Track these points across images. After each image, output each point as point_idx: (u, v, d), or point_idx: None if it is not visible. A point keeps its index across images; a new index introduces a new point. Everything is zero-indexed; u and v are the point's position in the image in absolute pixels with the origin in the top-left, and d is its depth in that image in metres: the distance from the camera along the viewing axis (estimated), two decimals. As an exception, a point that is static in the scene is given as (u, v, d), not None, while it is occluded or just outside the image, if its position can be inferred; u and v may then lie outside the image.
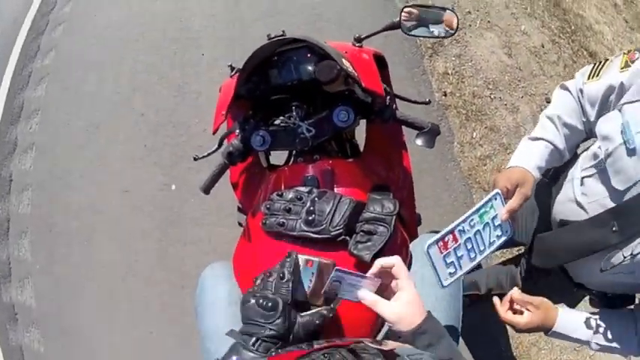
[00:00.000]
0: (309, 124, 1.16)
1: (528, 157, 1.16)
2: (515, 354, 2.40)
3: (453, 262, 0.97)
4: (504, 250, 2.42)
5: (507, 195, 1.06)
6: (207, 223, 2.66)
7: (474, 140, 2.87)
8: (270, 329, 0.79)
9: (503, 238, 1.02)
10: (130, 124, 3.07)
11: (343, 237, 1.03)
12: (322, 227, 1.03)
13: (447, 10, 1.34)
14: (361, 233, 1.04)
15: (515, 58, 3.28)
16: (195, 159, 1.41)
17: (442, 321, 0.99)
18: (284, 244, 1.06)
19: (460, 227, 0.96)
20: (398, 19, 1.31)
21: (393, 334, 0.82)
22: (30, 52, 3.74)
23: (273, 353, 0.73)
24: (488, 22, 3.37)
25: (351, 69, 1.13)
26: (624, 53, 1.08)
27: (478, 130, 2.91)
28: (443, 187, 2.72)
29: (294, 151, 1.34)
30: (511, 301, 1.15)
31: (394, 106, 1.28)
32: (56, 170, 3.05)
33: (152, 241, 2.68)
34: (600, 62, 1.15)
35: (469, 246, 0.97)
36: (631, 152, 0.97)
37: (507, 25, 3.43)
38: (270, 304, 0.81)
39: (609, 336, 1.17)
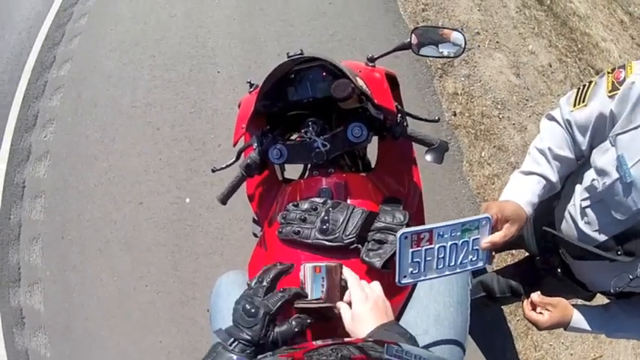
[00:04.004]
0: (325, 139, 1.21)
1: (522, 193, 1.14)
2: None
3: (419, 262, 0.92)
4: (513, 253, 2.51)
5: (495, 227, 1.03)
6: (219, 237, 2.71)
7: (482, 159, 2.93)
8: (247, 334, 0.81)
9: (477, 265, 0.97)
10: (145, 138, 3.13)
11: (356, 245, 1.07)
12: (336, 236, 1.07)
13: (456, 31, 1.39)
14: (372, 242, 1.07)
15: (523, 78, 3.33)
16: (213, 171, 1.46)
17: (447, 329, 1.02)
18: (299, 251, 1.10)
19: (440, 231, 0.91)
20: (409, 39, 1.37)
21: None
22: (46, 63, 3.82)
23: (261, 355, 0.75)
24: (497, 42, 3.43)
25: (364, 87, 1.18)
26: (608, 72, 1.06)
27: (487, 149, 2.96)
28: (452, 205, 2.77)
29: (309, 165, 1.39)
30: (532, 303, 1.22)
31: (405, 123, 1.33)
32: (70, 179, 3.11)
33: (165, 253, 2.73)
34: (584, 86, 1.13)
35: (441, 254, 0.93)
36: (627, 187, 0.98)
37: (515, 45, 3.49)
38: (252, 310, 0.83)
39: (624, 323, 1.21)
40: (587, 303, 1.46)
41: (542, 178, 1.17)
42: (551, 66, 3.54)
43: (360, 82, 1.19)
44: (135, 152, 3.10)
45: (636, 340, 2.72)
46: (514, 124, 3.09)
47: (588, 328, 1.21)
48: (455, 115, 3.00)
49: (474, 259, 0.96)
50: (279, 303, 0.86)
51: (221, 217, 2.71)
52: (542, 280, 1.47)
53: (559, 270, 1.36)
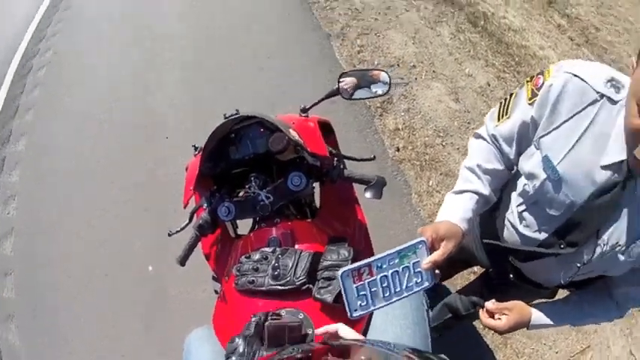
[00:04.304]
0: (267, 192, 1.30)
1: (454, 211, 1.16)
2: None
3: (365, 294, 0.95)
4: (475, 270, 2.59)
5: (432, 247, 1.06)
6: (185, 299, 2.79)
7: (430, 188, 3.06)
8: None
9: (422, 286, 0.99)
10: (103, 210, 3.22)
11: (307, 285, 1.15)
12: (287, 279, 1.15)
13: (380, 71, 1.49)
14: (322, 280, 1.15)
15: (463, 102, 3.49)
16: (169, 234, 1.51)
17: None
18: (256, 299, 1.17)
19: (378, 263, 0.94)
20: (337, 86, 1.46)
21: None
22: (2, 138, 3.87)
23: None
24: (434, 72, 3.60)
25: (297, 137, 1.27)
26: (527, 81, 1.09)
27: (434, 177, 3.10)
28: (406, 237, 2.87)
29: (257, 218, 1.47)
30: (489, 311, 1.24)
31: (341, 166, 1.40)
32: (37, 256, 3.15)
33: (136, 322, 2.79)
34: (506, 99, 1.16)
35: (384, 284, 0.95)
36: (556, 184, 1.03)
37: (452, 71, 3.67)
38: None
39: (586, 311, 1.24)
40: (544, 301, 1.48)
41: (474, 193, 1.19)
42: (489, 85, 3.72)
43: (293, 134, 1.27)
44: (94, 224, 3.17)
45: (621, 321, 2.76)
46: (458, 148, 3.24)
47: (550, 322, 1.24)
48: (398, 150, 3.14)
49: (418, 281, 0.98)
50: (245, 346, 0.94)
51: (184, 281, 2.79)
52: (501, 289, 1.49)
53: (511, 276, 1.39)
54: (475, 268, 2.70)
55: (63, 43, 4.64)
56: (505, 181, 1.26)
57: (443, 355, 0.71)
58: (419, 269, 0.98)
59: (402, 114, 3.31)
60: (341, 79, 1.47)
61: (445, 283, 2.50)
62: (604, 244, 1.04)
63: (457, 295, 1.95)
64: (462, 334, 2.51)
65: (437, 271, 1.01)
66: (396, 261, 0.96)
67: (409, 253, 0.97)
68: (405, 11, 4.20)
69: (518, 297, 1.26)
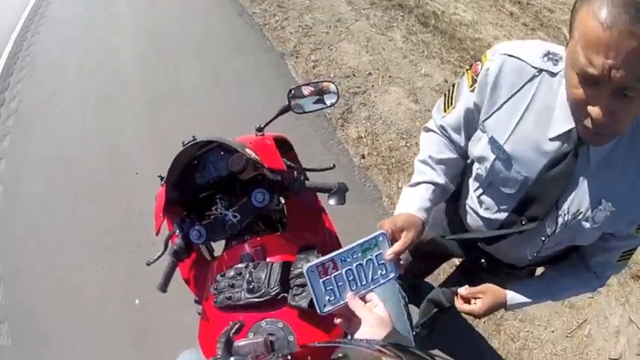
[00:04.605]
0: (234, 211, 1.33)
1: (411, 202, 1.18)
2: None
3: (332, 289, 0.96)
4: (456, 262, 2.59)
5: (393, 238, 1.07)
6: (172, 326, 2.78)
7: (400, 190, 3.07)
8: None
9: (388, 277, 1.00)
10: (82, 252, 3.19)
11: (282, 294, 1.18)
12: (262, 291, 1.19)
13: (324, 82, 1.54)
14: (295, 287, 1.18)
15: (422, 102, 3.55)
16: (147, 264, 1.53)
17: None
18: (236, 314, 1.21)
19: (341, 257, 0.96)
20: (287, 102, 1.51)
21: None
22: None
23: None
24: (390, 76, 3.66)
25: (254, 156, 1.32)
26: (467, 70, 1.11)
27: (402, 179, 3.12)
28: (382, 241, 2.92)
29: (229, 238, 1.50)
30: (463, 298, 1.26)
31: (302, 178, 1.44)
32: (26, 299, 3.12)
33: (127, 349, 2.77)
34: (449, 90, 1.18)
35: (350, 277, 0.97)
36: (506, 162, 1.05)
37: (408, 73, 3.73)
38: None
39: (564, 284, 1.25)
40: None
41: (430, 183, 1.21)
42: (447, 81, 3.78)
43: (250, 153, 1.32)
44: (78, 264, 3.13)
45: (615, 291, 2.84)
46: (423, 147, 3.28)
47: (528, 300, 1.25)
48: (364, 157, 3.17)
49: (383, 272, 1.00)
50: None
51: (170, 308, 2.79)
52: (478, 276, 1.49)
53: (482, 261, 1.41)
54: (456, 260, 2.73)
55: (27, 91, 4.64)
56: (460, 169, 1.28)
57: (438, 353, 0.74)
58: (382, 261, 1.00)
59: (364, 122, 3.34)
60: (289, 95, 1.52)
61: (428, 279, 2.51)
62: (565, 214, 1.05)
63: (439, 289, 1.98)
64: (453, 326, 2.52)
65: (401, 262, 1.03)
66: (359, 254, 0.98)
67: (371, 246, 0.99)
68: (355, 21, 4.27)
69: (496, 282, 1.27)
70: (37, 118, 4.25)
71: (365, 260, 0.98)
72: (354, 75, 3.66)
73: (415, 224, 1.10)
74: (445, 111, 1.19)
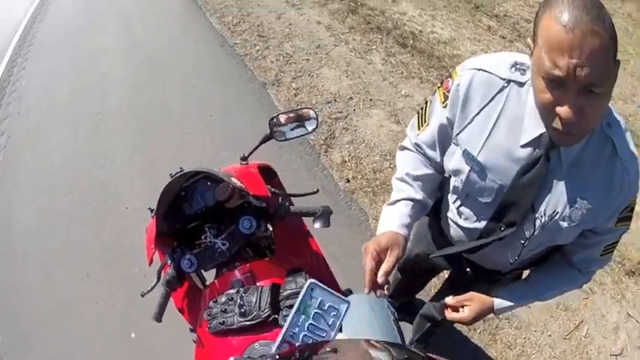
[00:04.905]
0: (223, 239, 1.38)
1: (391, 220, 1.19)
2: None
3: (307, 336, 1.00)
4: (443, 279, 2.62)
5: (379, 258, 1.09)
6: (171, 354, 2.78)
7: (386, 212, 3.13)
8: None
9: (341, 315, 1.02)
10: (77, 288, 3.18)
11: (272, 316, 1.21)
12: (254, 314, 1.22)
13: (304, 109, 1.59)
14: (285, 308, 1.22)
15: (404, 123, 3.60)
16: (142, 295, 1.55)
17: None
18: (230, 338, 1.24)
19: (290, 334, 0.97)
20: (269, 131, 1.56)
21: None
22: None
23: None
24: (370, 99, 3.73)
25: (239, 184, 1.36)
26: (439, 87, 1.13)
27: (388, 200, 3.16)
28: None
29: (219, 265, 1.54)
30: (452, 306, 1.28)
31: (287, 203, 1.48)
32: (20, 337, 3.09)
33: None
34: (422, 108, 1.21)
35: (309, 340, 0.99)
36: (481, 172, 1.07)
37: (389, 95, 3.80)
38: None
39: (550, 284, 1.27)
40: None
41: (408, 200, 1.23)
42: (427, 101, 3.84)
43: (236, 181, 1.36)
44: (69, 301, 3.12)
45: (610, 289, 2.87)
46: (407, 167, 3.33)
47: (515, 303, 1.26)
48: (348, 181, 3.21)
49: (335, 313, 1.02)
50: None
51: (166, 338, 2.78)
52: (465, 286, 1.49)
53: (468, 270, 1.43)
54: (446, 274, 2.76)
55: (15, 125, 4.62)
56: (437, 184, 1.30)
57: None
58: (328, 305, 1.02)
59: (347, 146, 3.39)
60: (270, 124, 1.57)
61: (420, 295, 2.54)
62: (542, 216, 1.07)
63: (430, 304, 2.00)
64: (448, 338, 2.52)
65: (385, 286, 1.06)
66: (303, 317, 1.00)
67: (309, 303, 1.01)
68: (335, 46, 4.37)
69: (483, 290, 1.29)
70: (25, 150, 4.26)
71: (312, 316, 1.00)
72: (335, 100, 3.72)
73: (398, 241, 1.13)
74: (419, 128, 1.22)
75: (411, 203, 1.22)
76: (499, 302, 1.25)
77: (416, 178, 1.24)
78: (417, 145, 1.24)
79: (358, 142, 3.42)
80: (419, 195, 1.23)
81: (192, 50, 4.80)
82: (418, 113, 1.23)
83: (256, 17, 5.02)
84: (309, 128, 1.59)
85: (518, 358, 2.52)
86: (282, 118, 1.58)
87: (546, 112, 0.90)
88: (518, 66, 1.02)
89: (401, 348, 0.74)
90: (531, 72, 0.91)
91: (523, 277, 1.45)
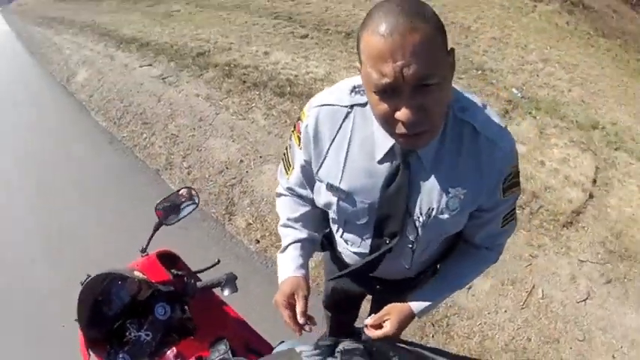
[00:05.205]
0: (145, 331, 1.44)
1: (287, 266, 1.23)
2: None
3: None
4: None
5: (290, 305, 1.15)
6: None
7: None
8: None
9: None
10: None
11: None
12: None
13: (181, 189, 1.70)
14: None
15: (297, 169, 3.77)
16: None
17: None
18: None
19: None
20: (158, 219, 1.64)
21: None
22: None
23: None
24: (260, 157, 3.88)
25: (141, 276, 1.43)
26: (292, 131, 1.17)
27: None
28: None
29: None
30: (374, 325, 1.26)
31: (192, 281, 1.55)
32: None
33: None
34: (284, 153, 1.25)
35: None
36: (349, 198, 1.10)
37: (277, 147, 3.97)
38: None
39: (461, 272, 1.30)
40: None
41: (296, 243, 1.26)
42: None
43: (138, 274, 1.43)
44: None
45: (551, 248, 2.97)
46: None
47: (433, 300, 1.27)
48: (258, 241, 3.29)
49: None
50: None
51: None
52: (384, 303, 1.49)
53: (378, 286, 1.46)
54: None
55: None
56: (319, 218, 1.33)
57: None
58: None
59: (248, 209, 3.50)
60: (157, 210, 1.65)
61: (358, 324, 2.61)
62: (419, 217, 1.09)
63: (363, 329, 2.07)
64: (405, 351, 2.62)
65: (301, 322, 1.13)
66: None
67: None
68: (216, 115, 4.53)
69: (403, 299, 1.29)
70: None
71: None
72: (227, 168, 3.85)
73: (299, 283, 1.18)
74: (287, 173, 1.26)
75: (299, 244, 1.26)
76: (417, 305, 1.26)
77: (297, 220, 1.28)
78: (289, 189, 1.28)
79: (258, 201, 3.54)
80: (304, 234, 1.27)
81: (85, 155, 4.77)
82: (282, 159, 1.28)
83: (138, 105, 5.11)
84: (192, 206, 1.69)
85: (482, 343, 2.56)
86: (166, 203, 1.67)
87: (388, 123, 0.91)
88: (357, 89, 1.05)
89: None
90: (365, 90, 0.92)
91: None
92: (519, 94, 5.50)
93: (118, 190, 4.06)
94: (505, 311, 2.67)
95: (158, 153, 4.23)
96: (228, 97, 4.78)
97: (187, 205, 1.68)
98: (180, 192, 1.69)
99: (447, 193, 1.05)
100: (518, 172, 1.12)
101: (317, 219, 1.32)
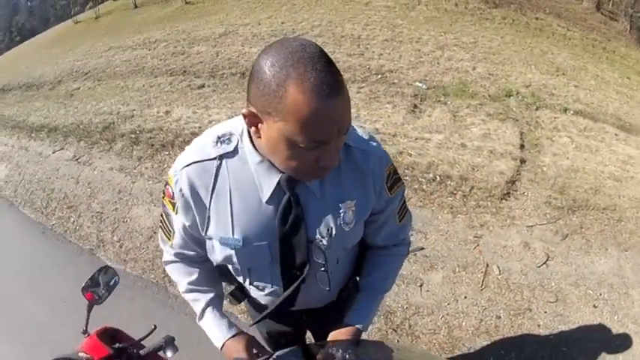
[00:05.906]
0: None
1: (215, 330, 1.25)
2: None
3: None
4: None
5: None
6: None
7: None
8: None
9: None
10: None
11: None
12: None
13: (102, 267, 1.73)
14: None
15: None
16: None
17: None
18: None
19: None
20: (88, 301, 1.65)
21: None
22: None
23: None
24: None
25: (87, 356, 1.48)
26: (163, 197, 1.15)
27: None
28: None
29: None
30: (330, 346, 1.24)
31: (135, 351, 1.57)
32: None
33: None
34: (162, 222, 1.23)
35: None
36: (247, 245, 1.08)
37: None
38: None
39: (380, 276, 1.32)
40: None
41: (208, 305, 1.27)
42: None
43: (83, 355, 1.48)
44: None
45: (497, 218, 3.02)
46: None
47: (369, 312, 1.30)
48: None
49: None
50: None
51: None
52: (320, 330, 1.56)
53: (304, 317, 1.45)
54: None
55: None
56: (216, 273, 1.32)
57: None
58: None
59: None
60: (83, 292, 1.66)
61: None
62: (322, 239, 1.10)
63: None
64: None
65: None
66: None
67: None
68: (133, 184, 4.79)
69: (331, 327, 1.29)
70: None
71: None
72: (154, 232, 4.01)
73: (239, 342, 1.22)
74: (170, 240, 1.22)
75: (211, 306, 1.27)
76: (358, 320, 1.26)
77: (196, 282, 1.27)
78: (177, 254, 1.26)
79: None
80: (211, 293, 1.28)
81: (22, 249, 4.77)
82: (160, 228, 1.25)
83: (59, 191, 5.23)
84: (115, 280, 1.73)
85: (450, 334, 2.54)
86: (90, 285, 1.67)
87: (305, 171, 0.92)
88: (221, 139, 1.03)
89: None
90: (269, 143, 0.89)
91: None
92: (424, 86, 5.71)
93: (60, 275, 4.12)
94: (465, 297, 2.67)
95: (88, 233, 4.38)
96: (141, 164, 5.04)
97: (111, 280, 1.71)
98: (101, 270, 1.71)
99: (339, 209, 1.07)
100: (396, 169, 1.17)
101: (215, 275, 1.32)
